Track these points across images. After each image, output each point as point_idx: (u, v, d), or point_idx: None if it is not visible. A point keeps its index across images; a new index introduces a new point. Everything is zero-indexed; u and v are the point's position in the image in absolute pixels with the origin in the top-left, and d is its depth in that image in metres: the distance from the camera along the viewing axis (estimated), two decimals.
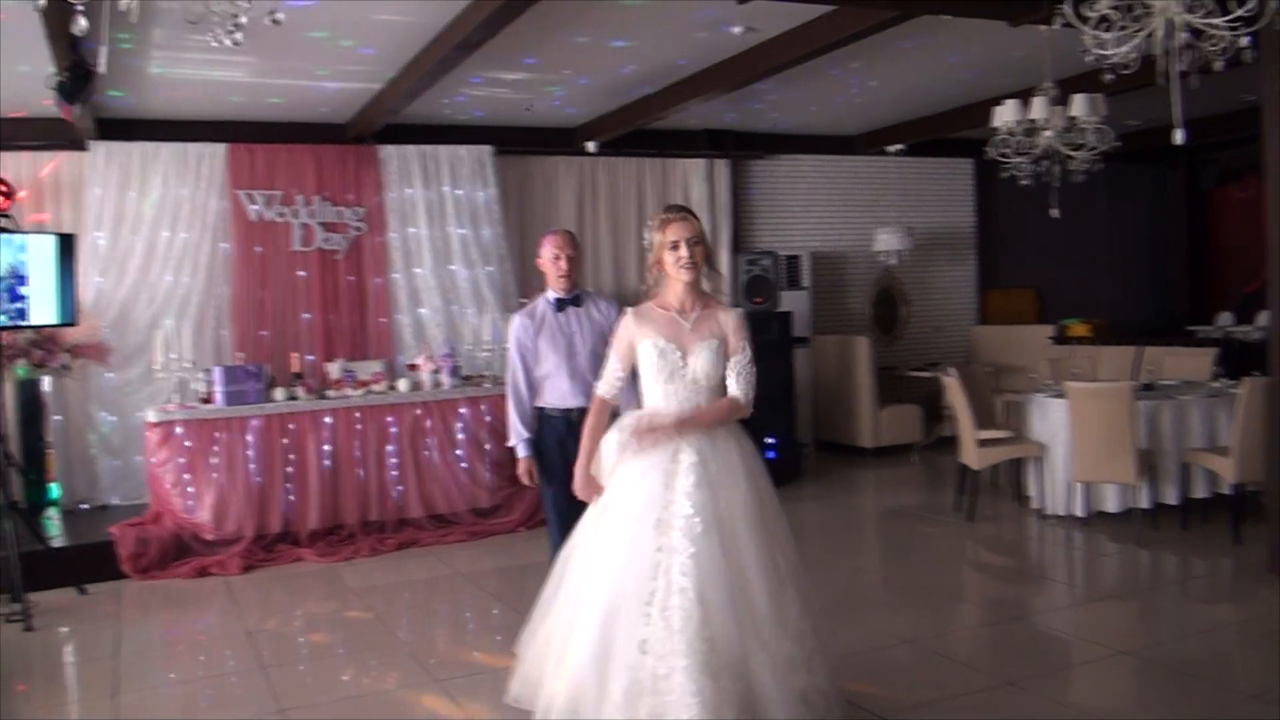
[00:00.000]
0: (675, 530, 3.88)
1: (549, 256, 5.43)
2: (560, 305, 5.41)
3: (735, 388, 4.19)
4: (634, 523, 3.95)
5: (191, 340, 8.61)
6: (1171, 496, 7.98)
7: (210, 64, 7.71)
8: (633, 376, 4.33)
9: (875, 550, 8.46)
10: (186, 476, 8.05)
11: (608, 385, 4.37)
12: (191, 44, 7.03)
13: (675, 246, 4.14)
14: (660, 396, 4.14)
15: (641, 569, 3.86)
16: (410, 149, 10.09)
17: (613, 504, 4.09)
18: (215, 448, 8.09)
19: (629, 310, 4.30)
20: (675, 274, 4.17)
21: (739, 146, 11.91)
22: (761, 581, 3.93)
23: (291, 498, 8.33)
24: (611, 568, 3.92)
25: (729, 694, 3.74)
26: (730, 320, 4.23)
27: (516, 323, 5.45)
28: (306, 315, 9.70)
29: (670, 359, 4.11)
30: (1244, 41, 4.30)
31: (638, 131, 10.55)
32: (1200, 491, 8.02)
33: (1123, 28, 4.46)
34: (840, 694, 4.17)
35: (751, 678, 3.80)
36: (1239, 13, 4.35)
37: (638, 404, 4.31)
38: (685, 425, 4.04)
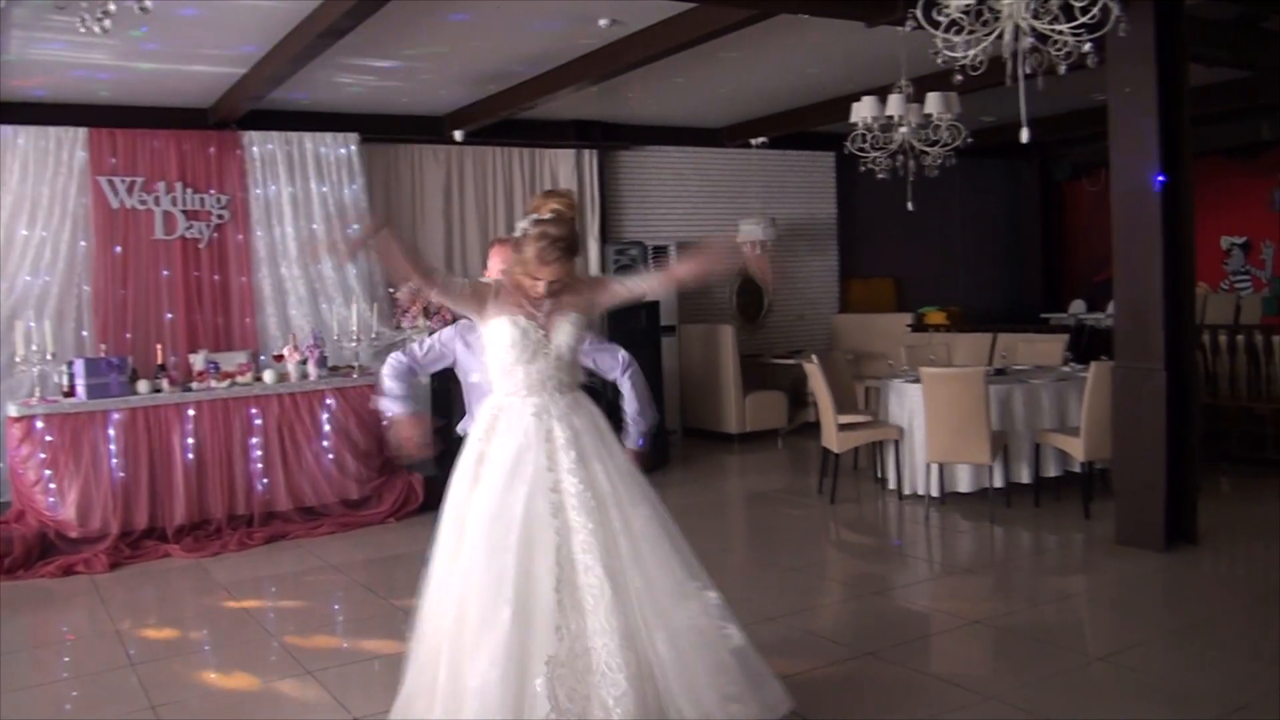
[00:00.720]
0: (568, 509, 3.80)
1: (499, 268, 4.69)
2: None
3: (643, 278, 4.33)
4: (525, 509, 3.78)
5: (52, 332, 8.39)
6: (1025, 475, 8.32)
7: (72, 46, 7.51)
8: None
9: (740, 532, 8.65)
10: (48, 472, 7.86)
11: (460, 280, 4.17)
12: (53, 24, 6.87)
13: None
14: (522, 377, 3.97)
15: (545, 556, 3.73)
16: (274, 135, 9.96)
17: (494, 491, 3.85)
18: (78, 442, 7.91)
19: (496, 278, 4.19)
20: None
21: (606, 137, 12.01)
22: (658, 550, 3.89)
23: (157, 493, 8.19)
24: (508, 560, 3.71)
25: (647, 668, 3.73)
26: (588, 284, 4.21)
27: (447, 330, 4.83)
28: (169, 305, 9.50)
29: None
30: (1086, 47, 4.52)
31: (506, 121, 10.57)
32: (1052, 470, 8.37)
33: (971, 31, 4.66)
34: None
35: (662, 651, 3.75)
36: (1082, 20, 4.58)
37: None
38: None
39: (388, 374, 4.68)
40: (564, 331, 4.01)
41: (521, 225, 4.01)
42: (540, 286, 3.94)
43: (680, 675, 3.76)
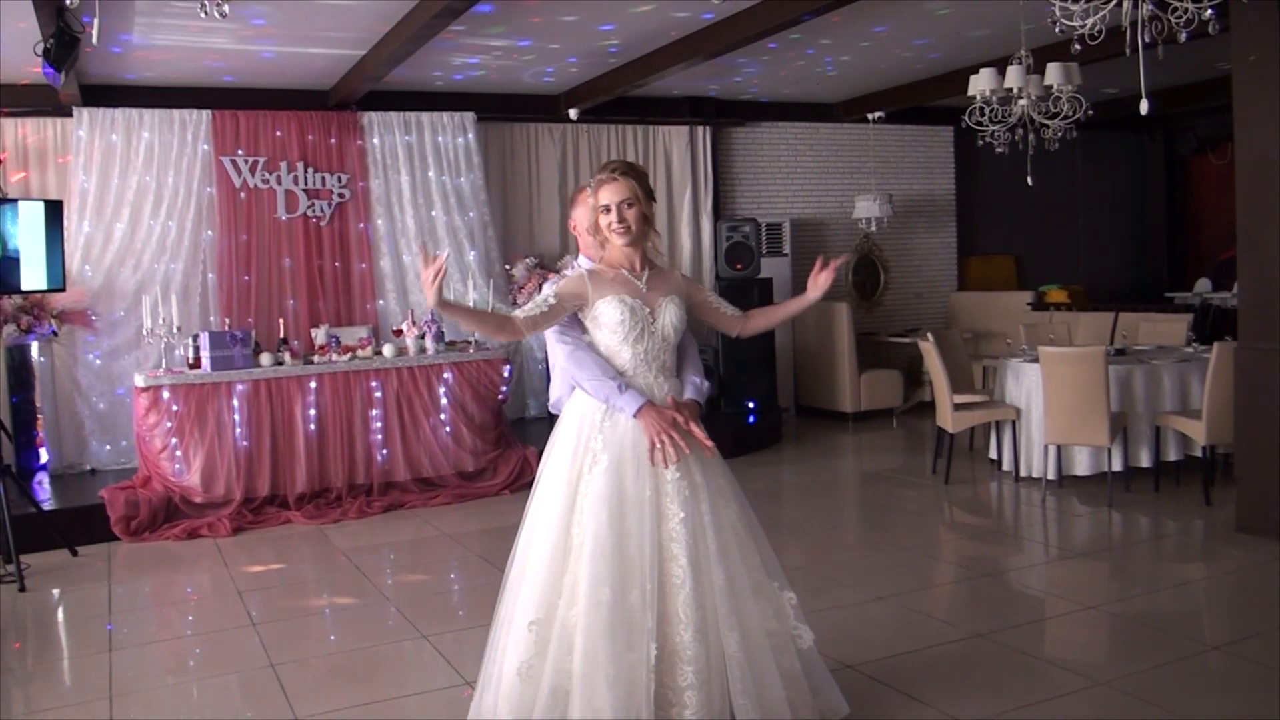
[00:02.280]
0: (663, 495, 3.83)
1: (584, 216, 4.37)
2: None
3: (732, 308, 4.28)
4: (637, 493, 3.81)
5: (178, 306, 8.67)
6: (1144, 459, 8.13)
7: (195, 31, 7.75)
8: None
9: (852, 511, 8.61)
10: (174, 440, 8.14)
11: (531, 310, 3.93)
12: (176, 10, 7.09)
13: (606, 210, 3.95)
14: (629, 357, 3.93)
15: (650, 541, 3.76)
16: (393, 115, 10.16)
17: (615, 475, 3.81)
18: (203, 412, 8.17)
19: (580, 267, 4.12)
20: (609, 237, 3.99)
21: (720, 113, 11.98)
22: (743, 548, 3.92)
23: (279, 461, 8.43)
24: (633, 545, 3.75)
25: (717, 662, 3.76)
26: (679, 277, 4.17)
27: (551, 282, 4.29)
28: (291, 280, 9.80)
29: (640, 315, 3.92)
30: (1207, 14, 4.39)
31: (620, 99, 10.62)
32: (1172, 454, 8.17)
33: None
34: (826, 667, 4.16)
35: (733, 650, 3.77)
36: None
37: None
38: (693, 417, 3.92)
39: (585, 378, 3.98)
40: (669, 312, 3.99)
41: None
42: (612, 213, 3.94)
43: (747, 675, 3.76)
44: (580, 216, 4.50)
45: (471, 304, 9.33)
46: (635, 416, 3.85)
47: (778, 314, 4.28)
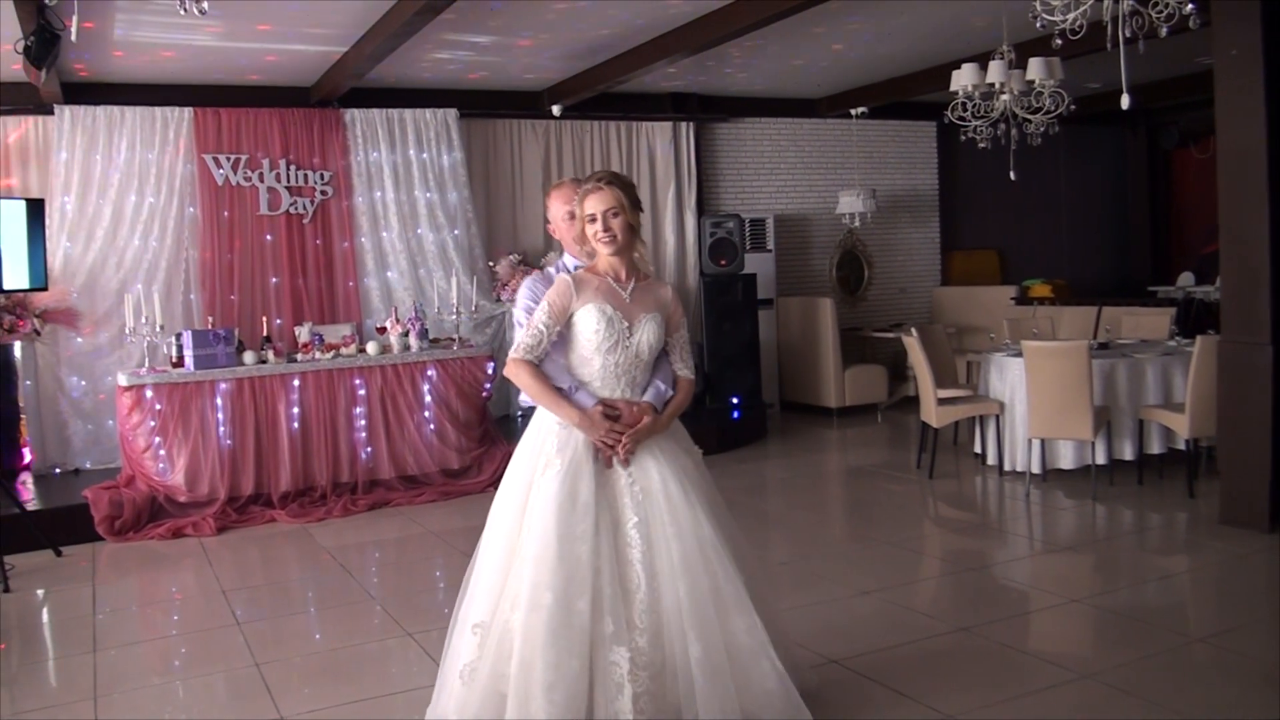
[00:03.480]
0: (620, 504, 3.87)
1: (561, 215, 4.48)
2: None
3: (684, 368, 4.15)
4: (592, 499, 3.81)
5: (161, 305, 8.64)
6: (1128, 453, 8.17)
7: (174, 28, 7.72)
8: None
9: (837, 506, 8.62)
10: (158, 439, 8.10)
11: (539, 348, 3.96)
12: (156, 7, 7.06)
13: (592, 219, 3.96)
14: (599, 367, 3.95)
15: (605, 546, 3.79)
16: (375, 112, 10.15)
17: (565, 480, 3.82)
18: (186, 411, 8.15)
19: (564, 274, 4.08)
20: (595, 247, 4.00)
21: (703, 109, 11.98)
22: (714, 561, 3.86)
23: (263, 460, 8.41)
24: (583, 550, 3.74)
25: (673, 672, 3.75)
26: (669, 293, 4.15)
27: (529, 286, 4.42)
28: (275, 279, 9.79)
29: (617, 327, 3.92)
30: (1188, 8, 4.41)
31: (602, 95, 10.62)
32: (1156, 447, 8.20)
33: None
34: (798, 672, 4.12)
35: (695, 662, 3.72)
36: None
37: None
38: (657, 427, 3.96)
39: (534, 378, 3.98)
40: (647, 329, 3.98)
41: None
42: (598, 223, 3.94)
43: (706, 689, 3.71)
44: (555, 213, 4.55)
45: (455, 299, 9.33)
46: (576, 423, 3.89)
47: (668, 409, 4.09)
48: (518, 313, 4.40)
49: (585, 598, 3.69)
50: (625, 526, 3.84)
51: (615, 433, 3.88)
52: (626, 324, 3.95)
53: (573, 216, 4.27)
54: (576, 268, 4.38)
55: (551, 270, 4.53)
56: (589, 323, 3.92)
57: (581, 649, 3.66)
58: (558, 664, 3.63)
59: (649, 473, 3.91)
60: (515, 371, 3.98)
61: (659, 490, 3.88)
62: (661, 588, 3.79)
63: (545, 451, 3.92)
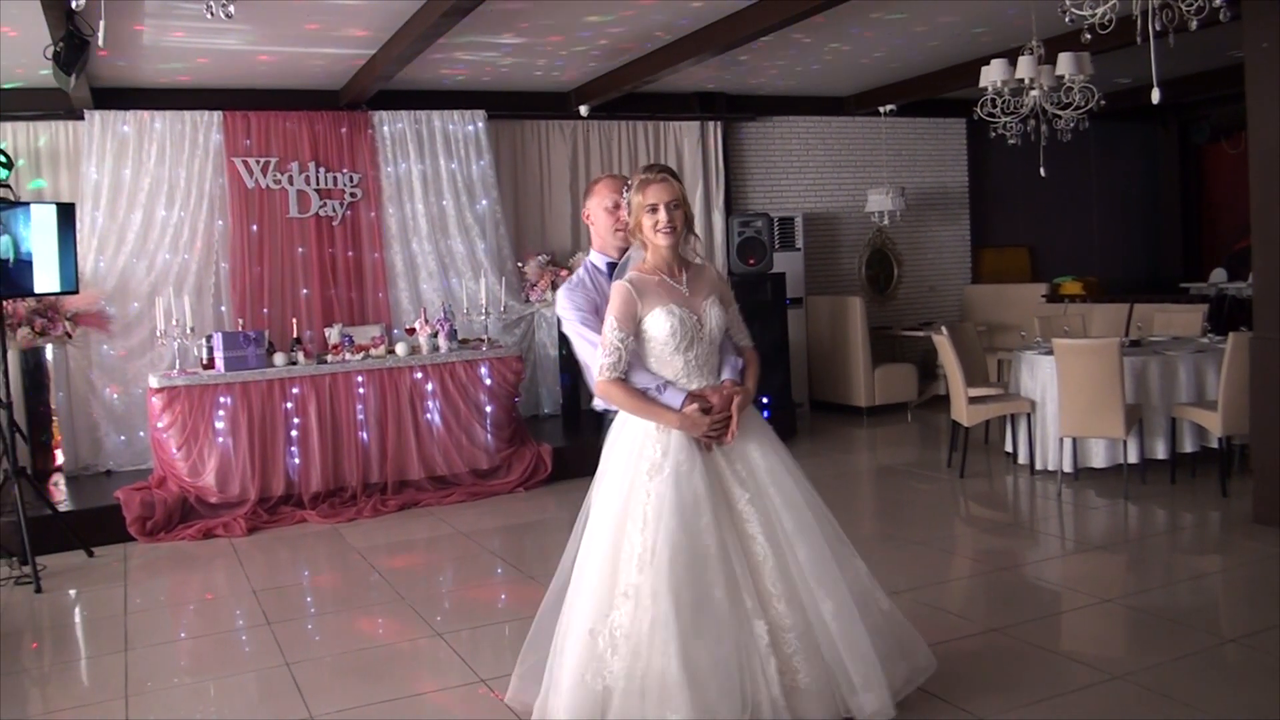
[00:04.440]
0: (728, 482, 4.01)
1: (605, 206, 4.52)
2: (613, 271, 4.34)
3: (746, 339, 4.30)
4: (708, 490, 3.91)
5: (191, 307, 8.69)
6: (1160, 451, 8.10)
7: (203, 32, 7.76)
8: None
9: (867, 506, 8.58)
10: (189, 441, 8.15)
11: (622, 363, 4.00)
12: (184, 12, 7.10)
13: (654, 210, 4.00)
14: (681, 365, 4.03)
15: (728, 532, 3.91)
16: (403, 115, 10.17)
17: (679, 477, 3.90)
18: (217, 413, 8.19)
19: (621, 281, 4.07)
20: (653, 238, 4.03)
21: (730, 108, 11.96)
22: (820, 522, 4.07)
23: (294, 461, 8.45)
24: (709, 542, 3.84)
25: (813, 629, 3.89)
26: (714, 272, 4.23)
27: (568, 296, 4.42)
28: (304, 282, 9.82)
29: (689, 324, 4.00)
30: (1218, 1, 4.36)
31: (630, 95, 10.62)
32: (1188, 446, 8.14)
33: None
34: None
35: (828, 617, 3.89)
36: None
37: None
38: (749, 397, 4.12)
39: (626, 392, 4.04)
40: (712, 314, 4.08)
41: (625, 197, 4.17)
42: (661, 213, 4.00)
43: (845, 639, 3.89)
44: (594, 207, 4.58)
45: (483, 299, 9.36)
46: (676, 427, 3.96)
47: (748, 380, 4.23)
48: (568, 325, 4.42)
49: (720, 585, 3.81)
50: (738, 504, 3.98)
51: (716, 425, 3.99)
52: (695, 317, 4.04)
53: (617, 207, 4.44)
54: (609, 264, 4.46)
55: (580, 272, 4.54)
56: (661, 327, 3.99)
57: (729, 634, 3.77)
58: (710, 654, 3.73)
59: (747, 450, 4.07)
60: (607, 391, 4.05)
61: (760, 464, 4.07)
62: (785, 554, 3.94)
63: (648, 455, 3.98)
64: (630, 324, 4.00)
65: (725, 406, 4.01)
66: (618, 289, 4.04)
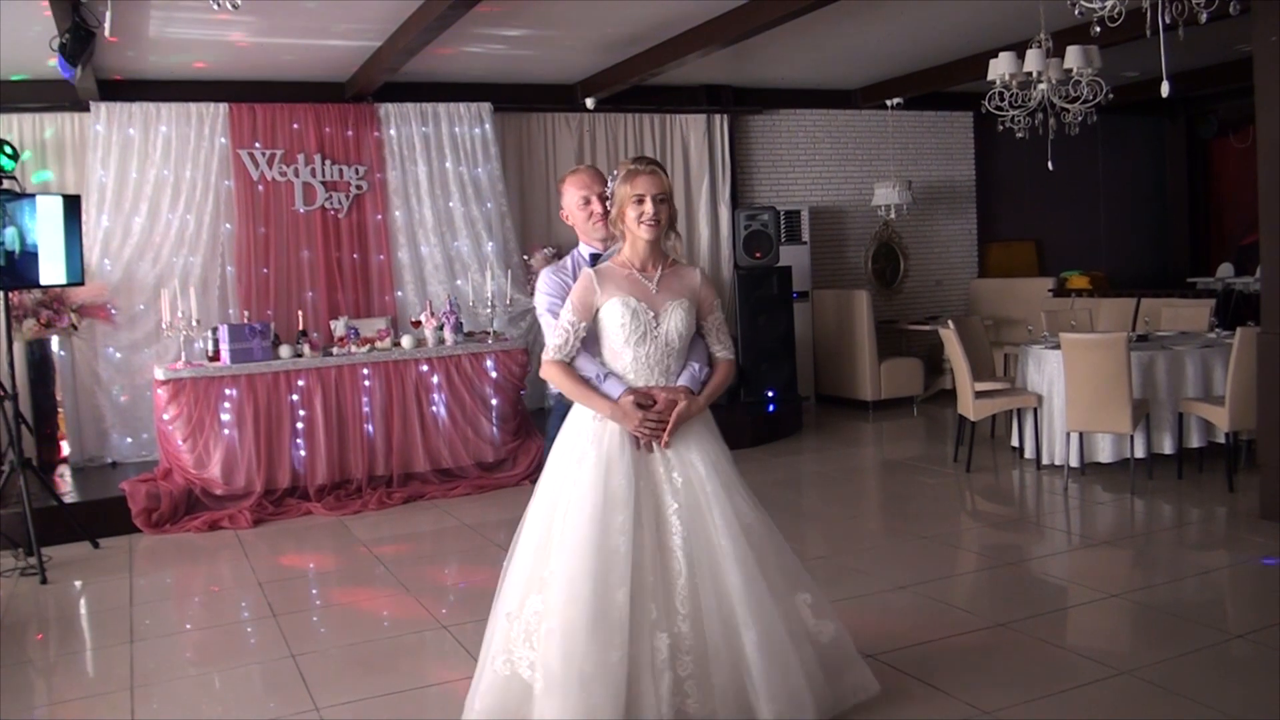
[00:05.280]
0: (660, 490, 3.89)
1: (576, 202, 4.57)
2: (597, 261, 4.30)
3: (722, 349, 4.16)
4: (629, 490, 3.82)
5: (197, 299, 8.69)
6: (1167, 446, 8.08)
7: (209, 24, 7.75)
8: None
9: (873, 500, 8.57)
10: (195, 433, 8.16)
11: (569, 346, 3.98)
12: (189, 4, 7.09)
13: (640, 201, 3.92)
14: (630, 360, 3.96)
15: (647, 537, 3.81)
16: (409, 107, 10.16)
17: (600, 474, 3.85)
18: (223, 405, 8.19)
19: (588, 268, 4.08)
20: (636, 230, 3.96)
21: (737, 101, 11.94)
22: (759, 547, 3.93)
23: (300, 453, 8.45)
24: (621, 542, 3.75)
25: (720, 655, 3.78)
26: (698, 277, 4.13)
27: (545, 278, 4.47)
28: (310, 274, 9.84)
29: (643, 319, 3.93)
30: None
31: (636, 88, 10.60)
32: (1195, 441, 8.12)
33: None
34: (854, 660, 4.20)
35: (750, 649, 3.77)
36: None
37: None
38: (694, 408, 3.95)
39: (568, 374, 4.02)
40: (674, 316, 3.99)
41: (610, 186, 4.09)
42: (647, 205, 3.93)
43: (765, 674, 3.76)
44: (569, 201, 4.59)
45: (489, 293, 9.35)
46: (609, 417, 3.91)
47: (705, 390, 4.09)
48: (539, 307, 4.46)
49: (624, 589, 3.71)
50: (666, 512, 3.87)
51: (649, 421, 3.88)
52: (652, 314, 3.96)
53: (587, 202, 4.47)
54: (593, 255, 4.44)
55: (567, 259, 4.59)
56: (614, 317, 3.94)
57: (622, 640, 3.67)
58: (598, 657, 3.64)
59: (689, 459, 3.93)
60: (548, 372, 4.02)
61: (701, 476, 3.91)
62: (701, 574, 3.81)
63: (579, 444, 3.94)
64: (585, 311, 3.98)
65: (666, 408, 3.91)
66: (582, 276, 4.04)
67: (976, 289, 13.33)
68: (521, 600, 3.88)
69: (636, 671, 3.69)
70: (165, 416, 8.18)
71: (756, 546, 3.90)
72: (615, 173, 4.06)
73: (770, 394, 10.61)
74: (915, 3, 8.49)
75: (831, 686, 4.00)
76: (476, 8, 7.19)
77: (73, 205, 8.09)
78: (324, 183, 9.83)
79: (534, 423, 9.50)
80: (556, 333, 4.01)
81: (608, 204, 4.15)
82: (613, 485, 3.82)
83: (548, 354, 4.01)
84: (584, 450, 3.91)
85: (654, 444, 3.91)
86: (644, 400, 3.91)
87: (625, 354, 3.97)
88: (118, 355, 9.17)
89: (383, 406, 8.70)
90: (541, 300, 4.43)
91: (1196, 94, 13.40)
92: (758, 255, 10.82)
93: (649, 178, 3.95)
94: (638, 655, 3.70)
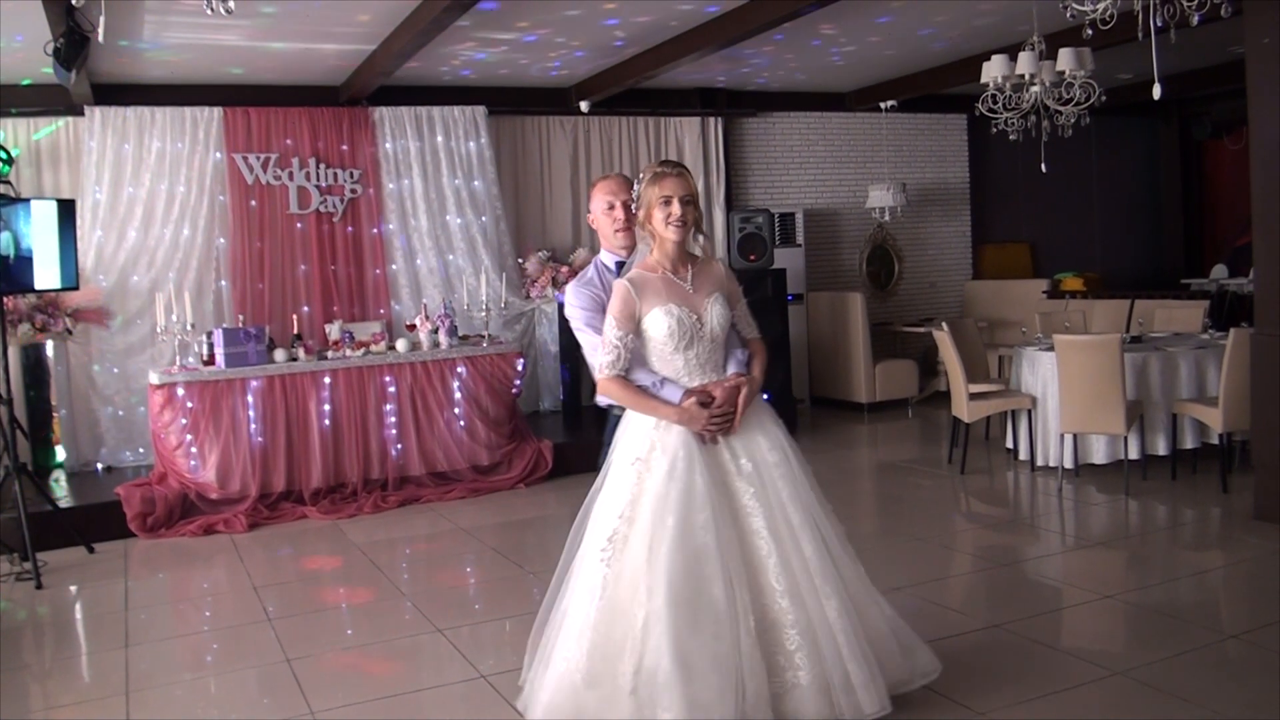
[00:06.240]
0: (731, 479, 3.98)
1: (601, 207, 4.54)
2: (621, 269, 4.31)
3: (752, 331, 4.29)
4: (706, 486, 3.88)
5: (192, 303, 8.69)
6: (1161, 447, 8.09)
7: (204, 28, 7.75)
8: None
9: (868, 502, 8.58)
10: (190, 437, 8.15)
11: (621, 361, 4.01)
12: (184, 8, 7.09)
13: (667, 202, 3.97)
14: (682, 364, 4.02)
15: (726, 528, 3.87)
16: (404, 110, 10.16)
17: (678, 473, 3.89)
18: (217, 409, 8.19)
19: (621, 279, 4.08)
20: (664, 232, 4.00)
21: (731, 104, 11.95)
22: (826, 520, 4.07)
23: (294, 457, 8.44)
24: (708, 539, 3.81)
25: (816, 627, 3.87)
26: (723, 270, 4.22)
27: (575, 292, 4.45)
28: (304, 278, 9.82)
29: (688, 323, 3.98)
30: None
31: (630, 91, 10.62)
32: (1189, 442, 8.13)
33: None
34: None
35: (833, 616, 3.88)
36: None
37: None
38: (755, 389, 4.09)
39: (630, 391, 4.07)
40: (714, 312, 4.06)
41: (635, 190, 4.12)
42: (675, 206, 3.98)
43: (848, 639, 3.87)
44: (594, 208, 4.59)
45: (484, 296, 9.35)
46: (675, 421, 3.95)
47: (754, 370, 4.24)
48: (574, 321, 4.46)
49: (719, 583, 3.77)
50: (742, 498, 3.96)
51: (715, 418, 3.96)
52: (695, 316, 4.02)
53: (611, 208, 4.48)
54: (618, 263, 4.46)
55: (590, 270, 4.56)
56: (660, 327, 3.99)
57: (727, 632, 3.73)
58: (708, 650, 3.70)
59: (756, 442, 4.03)
60: (607, 389, 4.07)
61: (768, 458, 4.02)
62: (786, 551, 3.91)
63: (642, 453, 3.98)
64: (629, 323, 4.01)
65: (728, 400, 3.99)
66: (617, 287, 4.04)
67: (971, 291, 13.34)
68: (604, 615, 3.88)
69: (742, 661, 3.75)
70: (160, 421, 8.18)
71: (822, 524, 4.03)
72: (641, 176, 4.09)
73: (765, 396, 10.58)
74: (909, 6, 8.48)
75: (907, 658, 4.18)
76: (471, 11, 7.19)
77: (67, 209, 8.08)
78: (318, 186, 9.83)
79: (529, 426, 9.50)
80: (606, 349, 4.03)
81: (632, 209, 4.20)
82: (690, 487, 3.86)
83: (602, 372, 4.04)
84: (649, 459, 3.95)
85: (718, 436, 4.00)
86: (704, 399, 3.98)
87: (676, 360, 4.03)
88: (113, 359, 9.16)
89: (377, 410, 8.70)
90: (576, 315, 4.43)
91: (1189, 96, 13.43)
92: (752, 258, 10.82)
93: (676, 180, 4.00)
94: (741, 644, 3.76)
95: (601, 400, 4.33)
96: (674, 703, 3.66)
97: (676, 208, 3.98)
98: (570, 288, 4.53)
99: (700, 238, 4.16)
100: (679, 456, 3.91)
